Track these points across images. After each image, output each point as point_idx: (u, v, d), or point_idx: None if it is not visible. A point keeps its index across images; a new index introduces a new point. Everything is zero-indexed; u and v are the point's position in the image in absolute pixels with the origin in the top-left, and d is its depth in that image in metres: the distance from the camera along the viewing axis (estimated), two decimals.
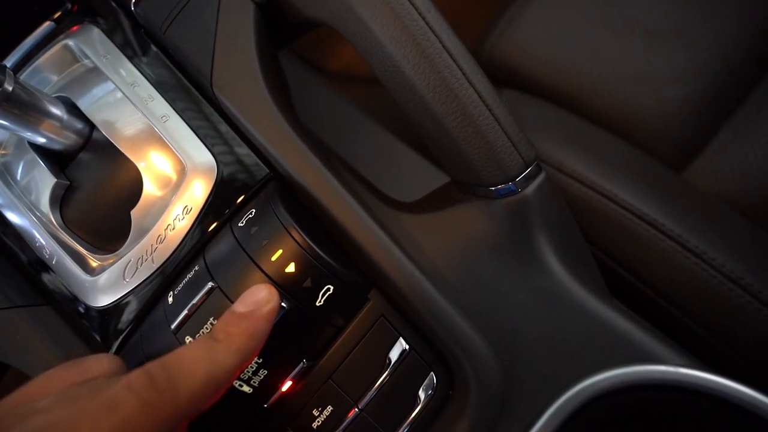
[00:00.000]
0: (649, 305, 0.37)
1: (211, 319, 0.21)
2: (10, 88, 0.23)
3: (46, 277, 0.27)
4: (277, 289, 0.21)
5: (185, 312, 0.22)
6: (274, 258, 0.22)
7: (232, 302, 0.21)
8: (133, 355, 0.24)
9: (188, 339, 0.22)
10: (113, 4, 0.29)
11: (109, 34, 0.28)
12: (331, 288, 0.22)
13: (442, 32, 0.23)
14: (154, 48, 0.28)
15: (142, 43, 0.28)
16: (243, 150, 0.26)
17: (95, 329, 0.25)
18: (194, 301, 0.22)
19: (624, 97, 0.48)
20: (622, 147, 0.43)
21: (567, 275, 0.25)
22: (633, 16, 0.50)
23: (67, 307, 0.26)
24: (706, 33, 0.48)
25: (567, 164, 0.39)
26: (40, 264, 0.27)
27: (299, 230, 0.22)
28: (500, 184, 0.24)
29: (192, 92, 0.27)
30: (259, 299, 0.20)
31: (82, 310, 0.26)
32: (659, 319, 0.37)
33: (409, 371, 0.24)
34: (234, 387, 0.21)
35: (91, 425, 0.14)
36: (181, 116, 0.26)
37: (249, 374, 0.22)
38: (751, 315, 0.33)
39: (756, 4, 0.48)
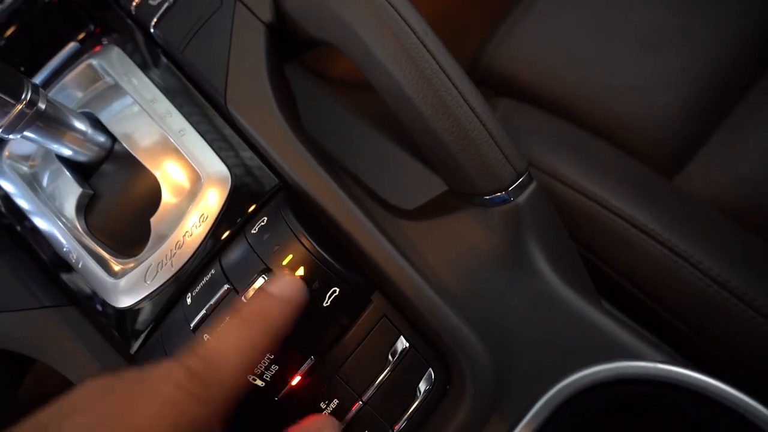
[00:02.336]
0: (640, 306, 0.39)
1: (227, 318, 0.23)
2: (44, 107, 0.25)
3: (70, 280, 0.29)
4: None
5: (203, 312, 0.24)
6: (285, 262, 0.24)
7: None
8: (155, 352, 0.26)
9: (206, 336, 0.23)
10: (133, 26, 0.31)
11: (129, 53, 0.30)
12: (337, 290, 0.24)
13: (438, 54, 0.25)
14: (171, 66, 0.30)
15: (159, 61, 0.30)
16: (254, 162, 0.28)
17: (118, 328, 0.27)
18: (212, 302, 0.24)
19: (617, 106, 0.50)
20: (614, 154, 0.44)
21: (556, 278, 0.26)
22: (626, 27, 0.51)
23: (90, 307, 0.28)
24: (697, 43, 0.49)
25: (560, 171, 0.41)
26: (65, 267, 0.29)
27: (308, 237, 0.24)
28: (494, 193, 0.26)
29: (206, 107, 0.29)
30: (295, 286, 0.21)
31: (105, 310, 0.27)
32: (649, 320, 0.39)
33: (409, 367, 0.25)
34: (248, 381, 0.23)
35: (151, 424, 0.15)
36: (197, 130, 0.28)
37: (262, 369, 0.23)
38: (736, 317, 0.35)
39: (745, 15, 0.50)
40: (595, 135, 0.47)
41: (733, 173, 0.47)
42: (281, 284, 0.21)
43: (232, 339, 0.19)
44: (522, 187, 0.27)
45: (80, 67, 0.30)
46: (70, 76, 0.30)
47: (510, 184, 0.26)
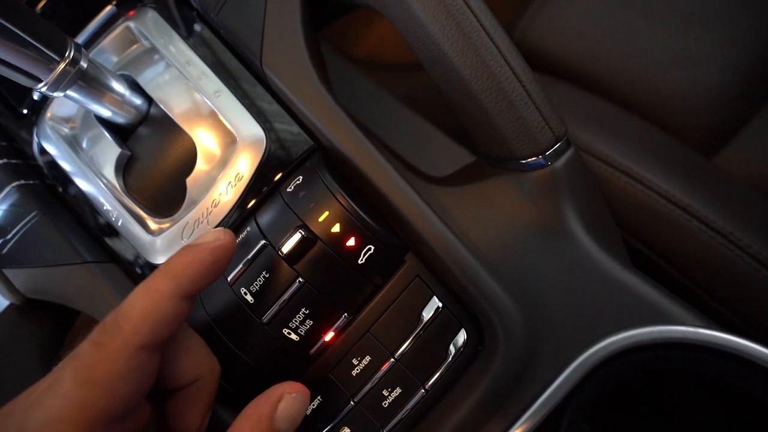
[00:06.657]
0: (674, 285, 0.38)
1: (263, 272, 0.24)
2: (86, 66, 0.25)
3: (110, 238, 0.30)
4: (323, 246, 0.23)
5: (240, 267, 0.24)
6: (321, 219, 0.24)
7: (282, 257, 0.23)
8: (194, 308, 0.26)
9: (243, 290, 0.24)
10: None
11: (165, 16, 0.31)
12: (372, 248, 0.24)
13: (480, 12, 0.24)
14: (206, 28, 0.30)
15: (194, 24, 0.30)
16: (289, 123, 0.28)
17: None
18: (248, 257, 0.24)
19: (655, 82, 0.48)
20: (650, 130, 0.43)
21: (592, 244, 0.26)
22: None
23: (130, 264, 0.29)
24: (743, 16, 0.47)
25: (595, 146, 0.40)
26: (105, 226, 0.30)
27: (344, 194, 0.24)
28: (531, 158, 0.26)
29: (241, 69, 0.29)
30: (209, 236, 0.21)
31: (143, 268, 0.28)
32: (684, 298, 0.38)
33: (441, 327, 0.26)
34: (283, 335, 0.24)
35: (56, 376, 0.17)
36: (232, 92, 0.28)
37: (297, 324, 0.24)
38: None
39: None
40: (630, 111, 0.45)
41: None
42: (199, 237, 0.21)
43: (139, 287, 0.19)
44: (560, 152, 0.26)
45: (118, 30, 0.31)
46: (108, 39, 0.31)
47: (548, 148, 0.25)
